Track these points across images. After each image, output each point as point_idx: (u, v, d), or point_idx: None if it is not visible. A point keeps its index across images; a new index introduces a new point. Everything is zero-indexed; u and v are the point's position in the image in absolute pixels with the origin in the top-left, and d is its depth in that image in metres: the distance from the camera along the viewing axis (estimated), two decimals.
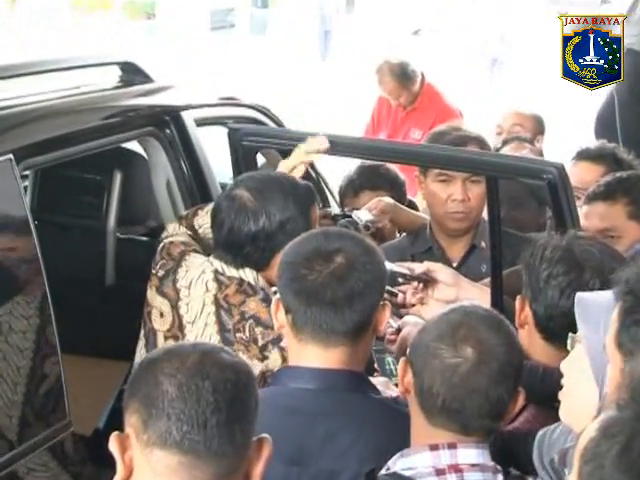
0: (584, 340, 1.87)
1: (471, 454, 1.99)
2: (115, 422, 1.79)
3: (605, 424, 1.28)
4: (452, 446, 1.98)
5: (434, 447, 1.98)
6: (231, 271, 2.75)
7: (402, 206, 3.65)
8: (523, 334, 2.37)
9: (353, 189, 3.74)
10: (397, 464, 2.00)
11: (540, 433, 2.10)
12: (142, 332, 2.89)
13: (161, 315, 2.82)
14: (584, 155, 3.75)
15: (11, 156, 2.63)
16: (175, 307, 2.79)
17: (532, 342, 2.36)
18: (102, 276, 3.58)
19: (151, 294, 2.85)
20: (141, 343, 2.88)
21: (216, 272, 2.76)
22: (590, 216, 3.18)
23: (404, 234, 3.64)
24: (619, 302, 1.72)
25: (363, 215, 3.35)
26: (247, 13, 22.64)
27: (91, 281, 3.61)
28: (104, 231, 3.58)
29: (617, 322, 1.71)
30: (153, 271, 2.85)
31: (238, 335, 2.68)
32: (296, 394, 2.20)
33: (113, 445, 1.69)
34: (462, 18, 19.39)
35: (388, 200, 3.58)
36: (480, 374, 1.96)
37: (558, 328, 2.25)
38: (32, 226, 2.66)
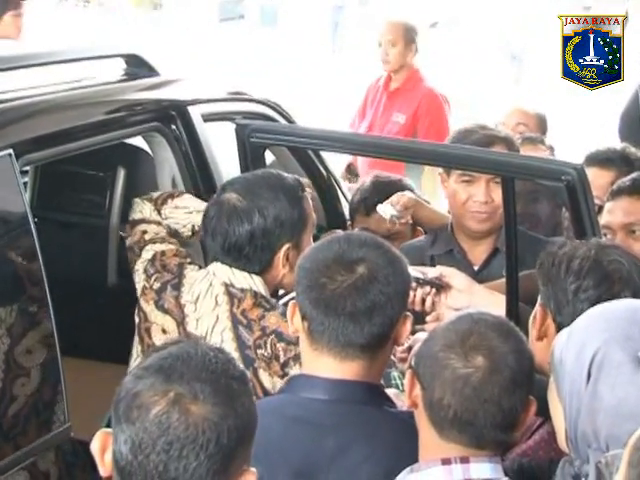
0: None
1: (484, 469, 1.94)
2: None
3: None
4: (465, 460, 1.93)
5: (446, 461, 1.94)
6: (240, 282, 2.67)
7: (424, 202, 3.60)
8: (540, 346, 2.31)
9: (366, 208, 3.65)
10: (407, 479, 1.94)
11: (563, 460, 2.01)
12: (138, 348, 2.78)
13: (163, 331, 2.72)
14: (592, 160, 3.67)
15: (11, 151, 2.57)
16: (182, 324, 2.69)
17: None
18: (104, 276, 3.51)
19: (149, 309, 2.75)
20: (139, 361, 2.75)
21: (225, 285, 2.67)
22: (614, 211, 3.10)
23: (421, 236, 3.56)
24: None
25: (388, 209, 3.29)
26: (257, 4, 22.56)
27: (92, 281, 3.54)
28: (106, 230, 3.51)
29: None
30: (147, 284, 2.76)
31: (259, 352, 2.59)
32: (307, 404, 2.13)
33: (95, 443, 1.65)
34: (481, 11, 19.26)
35: (410, 195, 3.53)
36: (492, 383, 1.92)
37: None
38: (32, 224, 2.59)
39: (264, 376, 2.57)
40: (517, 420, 1.96)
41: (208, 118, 3.34)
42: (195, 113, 3.25)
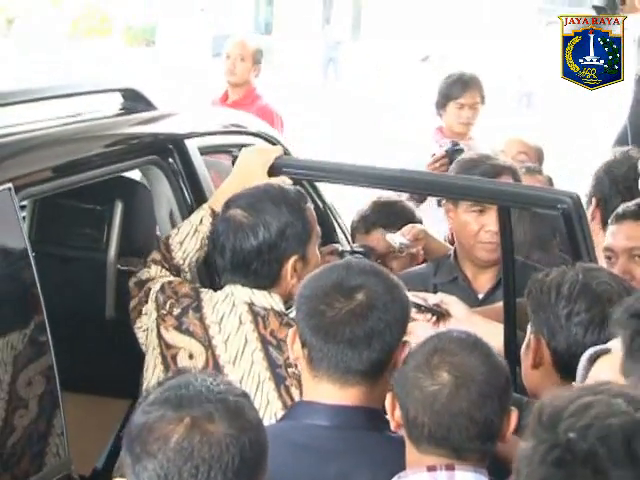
0: None
1: (468, 477, 1.96)
2: (114, 462, 1.71)
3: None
4: (450, 468, 1.96)
5: (431, 468, 1.96)
6: (260, 301, 2.69)
7: (433, 235, 3.61)
8: (536, 374, 2.33)
9: (365, 226, 3.67)
10: None
11: None
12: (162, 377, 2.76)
13: (190, 357, 2.71)
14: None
15: (10, 185, 2.56)
16: (209, 347, 2.69)
17: (547, 382, 2.30)
18: (102, 309, 3.49)
19: (171, 335, 2.74)
20: None
21: (247, 304, 2.68)
22: (617, 234, 3.11)
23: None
24: (622, 330, 1.71)
25: (397, 238, 3.32)
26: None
27: (91, 315, 3.52)
28: (104, 263, 3.49)
29: (623, 350, 1.69)
30: (163, 311, 2.76)
31: (290, 370, 2.59)
32: (309, 430, 2.14)
33: None
34: (471, 45, 19.35)
35: (421, 227, 3.55)
36: (460, 397, 1.95)
37: None
38: (31, 258, 2.58)
39: (296, 393, 2.57)
40: (495, 430, 1.98)
41: (205, 151, 3.35)
42: (192, 146, 3.26)
